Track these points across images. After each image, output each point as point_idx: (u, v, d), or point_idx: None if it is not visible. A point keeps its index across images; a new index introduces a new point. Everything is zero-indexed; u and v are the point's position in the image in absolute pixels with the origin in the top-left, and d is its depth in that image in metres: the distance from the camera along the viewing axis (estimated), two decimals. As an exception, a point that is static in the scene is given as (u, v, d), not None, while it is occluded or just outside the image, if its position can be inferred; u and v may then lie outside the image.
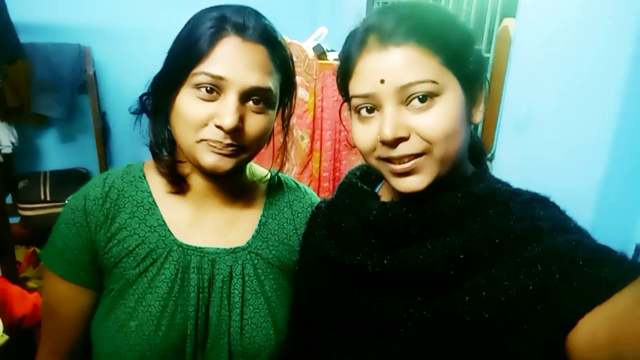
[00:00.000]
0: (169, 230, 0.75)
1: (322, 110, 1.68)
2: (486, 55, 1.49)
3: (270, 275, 0.78)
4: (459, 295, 0.57)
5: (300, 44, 1.77)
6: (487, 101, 0.67)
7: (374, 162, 0.64)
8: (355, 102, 0.63)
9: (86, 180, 0.81)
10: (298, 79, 1.73)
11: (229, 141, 0.67)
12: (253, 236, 0.79)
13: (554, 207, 0.63)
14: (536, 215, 0.59)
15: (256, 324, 0.74)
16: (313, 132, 1.70)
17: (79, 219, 0.74)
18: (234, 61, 0.67)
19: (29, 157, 2.47)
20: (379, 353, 0.61)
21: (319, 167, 1.72)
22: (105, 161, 2.40)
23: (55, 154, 2.51)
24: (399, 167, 0.60)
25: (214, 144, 0.68)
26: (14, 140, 2.23)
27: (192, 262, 0.74)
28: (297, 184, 0.89)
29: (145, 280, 0.72)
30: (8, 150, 2.19)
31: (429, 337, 0.58)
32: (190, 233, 0.76)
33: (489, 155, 1.49)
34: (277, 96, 0.73)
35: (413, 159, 0.59)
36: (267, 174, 0.86)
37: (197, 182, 0.77)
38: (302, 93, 1.69)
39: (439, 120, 0.58)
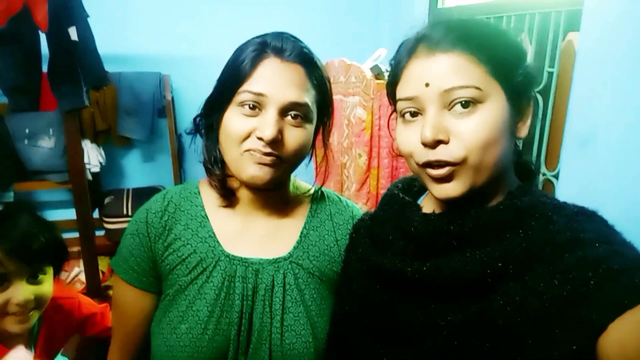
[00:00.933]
0: (217, 241, 0.81)
1: (379, 128, 1.70)
2: (550, 70, 1.45)
3: (311, 285, 0.81)
4: (493, 301, 0.57)
5: (359, 65, 1.81)
6: (535, 116, 0.66)
7: (415, 167, 0.65)
8: (400, 105, 0.65)
9: (163, 197, 0.89)
10: (356, 98, 1.78)
11: (268, 150, 0.73)
12: (294, 247, 0.82)
13: (600, 220, 0.61)
14: (579, 228, 0.58)
15: (296, 332, 0.77)
16: (370, 150, 1.73)
17: (142, 230, 0.82)
18: (273, 79, 0.73)
19: (114, 176, 2.69)
20: (414, 358, 0.62)
21: (377, 184, 1.74)
22: (180, 179, 2.57)
23: (137, 172, 2.72)
24: (435, 172, 0.61)
25: (254, 152, 0.73)
26: (101, 160, 2.46)
27: (238, 272, 0.79)
28: (339, 198, 0.92)
29: (196, 287, 0.78)
30: (96, 169, 2.42)
31: (464, 342, 0.58)
32: (237, 244, 0.81)
33: (554, 173, 1.43)
34: (314, 112, 0.78)
35: (450, 167, 0.60)
36: (311, 188, 0.90)
37: (244, 195, 0.83)
38: (360, 112, 1.73)
39: (479, 127, 0.59)
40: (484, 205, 0.64)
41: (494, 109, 0.60)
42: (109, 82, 1.75)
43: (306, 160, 0.85)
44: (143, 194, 2.60)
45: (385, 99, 1.64)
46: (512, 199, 0.63)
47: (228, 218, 0.84)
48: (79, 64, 1.57)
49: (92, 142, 2.40)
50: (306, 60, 0.77)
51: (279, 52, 0.75)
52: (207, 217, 0.83)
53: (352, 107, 1.80)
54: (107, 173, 2.63)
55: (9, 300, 0.94)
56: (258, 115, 0.74)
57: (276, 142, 0.73)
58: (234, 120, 0.75)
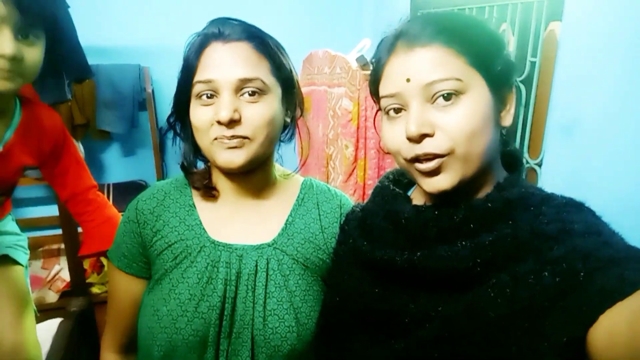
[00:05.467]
0: (203, 228, 0.82)
1: (365, 119, 1.71)
2: (532, 59, 1.47)
3: (295, 271, 0.82)
4: (483, 292, 0.58)
5: (344, 55, 1.81)
6: (518, 105, 0.67)
7: (403, 163, 0.66)
8: (384, 102, 0.65)
9: (144, 191, 0.91)
10: (342, 89, 1.77)
11: (232, 133, 0.73)
12: (279, 234, 0.83)
13: (588, 211, 0.62)
14: (568, 219, 0.59)
15: (278, 316, 0.78)
16: (357, 141, 1.73)
17: (132, 217, 0.85)
18: (218, 63, 0.74)
19: (94, 170, 2.61)
20: (405, 348, 0.63)
21: (364, 175, 1.75)
22: (162, 173, 2.54)
23: (118, 167, 2.67)
24: (424, 166, 0.62)
25: (221, 139, 0.74)
26: (81, 155, 2.40)
27: (222, 257, 0.80)
28: (327, 187, 0.93)
29: (179, 271, 0.80)
30: (76, 164, 2.36)
31: (455, 333, 0.59)
32: (222, 231, 0.83)
33: (537, 161, 1.46)
34: (271, 84, 0.77)
35: (438, 159, 0.61)
36: (298, 177, 0.92)
37: (227, 184, 0.84)
38: (346, 103, 1.73)
39: (463, 118, 0.59)
40: (472, 196, 0.65)
41: (476, 99, 0.60)
42: (91, 75, 1.70)
43: (291, 146, 0.85)
44: (124, 189, 2.56)
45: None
46: (501, 190, 0.64)
47: (214, 207, 0.85)
48: (61, 56, 1.52)
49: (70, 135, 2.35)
50: (251, 35, 0.77)
51: (220, 36, 0.75)
52: (194, 206, 0.85)
53: (338, 98, 1.80)
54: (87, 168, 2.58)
55: None
56: (215, 102, 0.75)
57: (236, 122, 0.73)
58: (196, 113, 0.76)
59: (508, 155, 0.71)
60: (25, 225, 2.49)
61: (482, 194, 0.66)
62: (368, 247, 0.70)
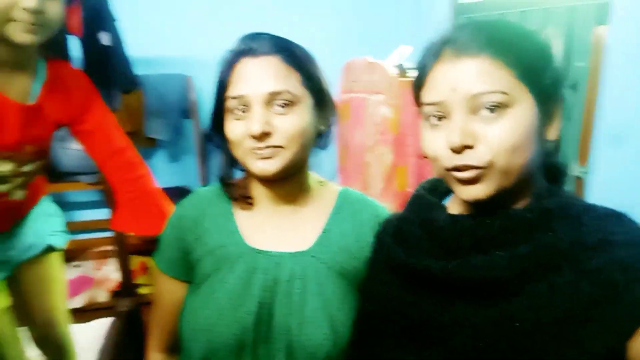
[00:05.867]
0: (241, 235, 0.85)
1: (404, 127, 1.70)
2: (579, 64, 1.42)
3: (331, 279, 0.83)
4: (519, 301, 0.57)
5: (383, 63, 1.81)
6: (563, 116, 0.66)
7: (441, 170, 0.65)
8: (426, 109, 0.65)
9: (188, 197, 0.94)
10: (380, 97, 1.78)
11: (264, 145, 0.76)
12: (316, 242, 0.85)
13: (630, 222, 0.60)
14: (609, 230, 0.58)
15: (314, 323, 0.79)
16: (396, 149, 1.72)
17: (176, 223, 0.89)
18: (248, 78, 0.77)
19: (142, 176, 2.75)
20: (437, 357, 0.63)
21: (403, 182, 1.74)
22: (205, 178, 2.61)
23: (163, 172, 2.77)
24: (462, 175, 0.61)
25: (255, 151, 0.77)
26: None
27: (260, 264, 0.82)
28: (364, 197, 0.94)
29: (219, 276, 0.83)
30: (125, 170, 2.47)
31: (489, 342, 0.58)
32: (260, 238, 0.85)
33: (585, 169, 1.41)
34: (300, 95, 0.79)
35: (477, 170, 0.60)
36: (334, 186, 0.93)
37: (263, 191, 0.87)
38: (384, 110, 1.73)
39: (506, 132, 0.58)
40: (510, 206, 0.65)
41: (521, 113, 0.59)
42: (139, 86, 1.79)
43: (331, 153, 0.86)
44: (169, 194, 2.64)
45: (411, 97, 1.64)
46: (540, 200, 0.62)
47: (252, 213, 0.88)
48: (111, 68, 1.61)
49: (119, 143, 2.46)
50: (279, 49, 0.78)
51: (249, 52, 0.78)
52: (233, 213, 0.88)
53: (376, 106, 1.80)
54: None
55: (15, 3, 0.88)
56: (248, 116, 0.77)
57: (268, 134, 0.76)
58: (230, 127, 0.79)
59: (551, 167, 0.70)
60: (79, 227, 2.65)
61: (520, 203, 0.65)
62: (402, 255, 0.70)
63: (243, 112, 0.77)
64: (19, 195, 1.10)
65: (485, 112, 0.59)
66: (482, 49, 0.59)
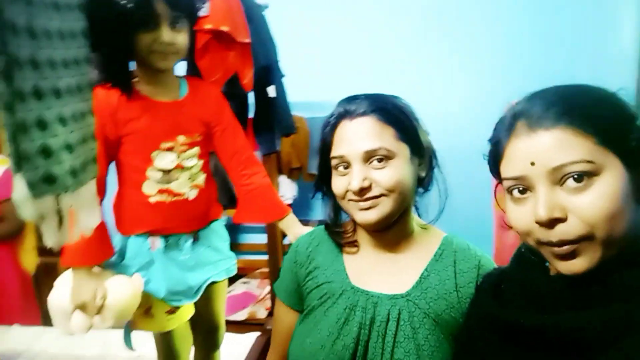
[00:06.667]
0: (346, 274, 0.92)
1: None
2: None
3: (425, 325, 0.83)
4: (614, 357, 0.54)
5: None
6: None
7: (533, 244, 0.63)
8: (507, 183, 0.64)
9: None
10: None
11: (364, 198, 0.82)
12: (413, 286, 0.86)
13: None
14: None
15: None
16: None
17: (292, 257, 1.00)
18: (347, 139, 0.84)
19: (304, 208, 3.02)
20: None
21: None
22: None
23: (323, 206, 3.00)
24: (558, 250, 0.58)
25: (356, 203, 0.84)
26: (294, 193, 2.80)
27: (359, 302, 0.87)
28: (468, 246, 0.92)
29: (323, 310, 0.90)
30: (290, 201, 2.75)
31: None
32: (362, 278, 0.90)
33: None
34: (396, 149, 0.83)
35: (574, 245, 0.57)
36: (439, 231, 0.94)
37: (366, 237, 0.93)
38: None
39: (598, 201, 0.55)
40: (611, 267, 0.59)
41: (611, 180, 0.55)
42: (295, 130, 2.03)
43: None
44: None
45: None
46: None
47: (357, 256, 0.94)
48: (274, 116, 1.87)
49: (287, 177, 2.77)
50: (373, 109, 0.84)
51: (348, 114, 0.86)
52: (341, 252, 0.95)
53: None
54: (298, 205, 2.96)
55: (155, 39, 1.14)
56: (349, 172, 0.85)
57: (367, 189, 0.82)
58: (335, 183, 0.88)
59: None
60: (250, 249, 3.03)
61: (620, 264, 0.60)
62: (497, 310, 0.69)
63: (345, 168, 0.86)
64: (192, 194, 1.31)
65: (571, 183, 0.57)
66: (558, 121, 0.58)
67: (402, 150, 0.85)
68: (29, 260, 2.32)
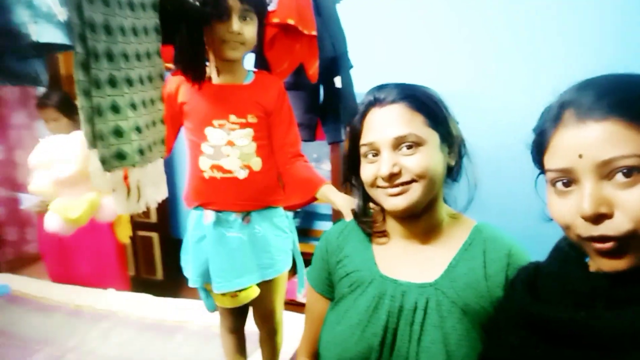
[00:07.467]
0: (375, 263, 0.93)
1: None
2: None
3: (453, 314, 0.83)
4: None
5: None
6: None
7: (575, 238, 0.62)
8: (550, 175, 0.62)
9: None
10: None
11: (392, 183, 0.84)
12: (442, 275, 0.86)
13: None
14: None
15: (429, 354, 0.81)
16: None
17: (323, 246, 1.03)
18: (376, 126, 0.86)
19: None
20: None
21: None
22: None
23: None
24: (600, 246, 0.57)
25: (386, 189, 0.85)
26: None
27: (388, 291, 0.88)
28: (500, 234, 0.91)
29: (352, 298, 0.92)
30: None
31: None
32: (391, 267, 0.92)
33: None
34: (425, 135, 0.83)
35: (617, 241, 0.56)
36: (470, 220, 0.93)
37: (395, 226, 0.94)
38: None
39: None
40: None
41: None
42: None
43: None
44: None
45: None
46: None
47: (386, 245, 0.96)
48: (341, 106, 1.92)
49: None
50: (403, 96, 0.85)
51: (376, 102, 0.87)
52: (370, 242, 0.97)
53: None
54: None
55: (227, 29, 1.24)
56: (378, 159, 0.86)
57: (396, 175, 0.83)
58: (364, 170, 0.89)
59: None
60: (318, 235, 3.12)
61: None
62: (533, 305, 0.68)
63: (374, 155, 0.88)
64: (242, 174, 1.39)
65: (620, 177, 0.55)
66: (610, 112, 0.55)
67: (432, 137, 0.86)
68: (123, 232, 2.61)
